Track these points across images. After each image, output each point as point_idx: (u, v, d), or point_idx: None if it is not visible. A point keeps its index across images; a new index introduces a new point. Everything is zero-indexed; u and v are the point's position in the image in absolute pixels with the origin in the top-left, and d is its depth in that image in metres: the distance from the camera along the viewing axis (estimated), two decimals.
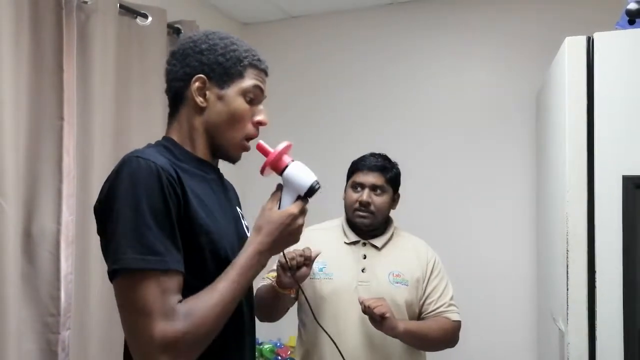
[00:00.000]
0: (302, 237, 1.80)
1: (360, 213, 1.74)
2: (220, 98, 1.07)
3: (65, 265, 1.68)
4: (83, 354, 1.74)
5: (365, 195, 1.74)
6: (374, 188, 1.75)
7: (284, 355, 2.66)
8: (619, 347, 1.43)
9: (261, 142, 1.10)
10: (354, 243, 1.78)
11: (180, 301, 0.94)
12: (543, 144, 2.13)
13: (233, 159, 1.13)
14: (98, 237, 1.59)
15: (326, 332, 1.51)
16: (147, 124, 2.08)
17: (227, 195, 1.17)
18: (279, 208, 1.07)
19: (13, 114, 1.55)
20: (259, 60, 1.11)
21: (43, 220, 1.66)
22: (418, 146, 2.64)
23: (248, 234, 1.17)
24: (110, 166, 1.85)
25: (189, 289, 0.97)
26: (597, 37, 1.47)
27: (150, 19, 2.12)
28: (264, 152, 1.09)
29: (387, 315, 1.54)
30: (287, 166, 1.07)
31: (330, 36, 2.86)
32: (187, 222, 0.97)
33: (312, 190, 1.07)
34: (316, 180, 1.07)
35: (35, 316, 1.65)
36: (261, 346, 2.69)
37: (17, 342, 1.57)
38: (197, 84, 1.06)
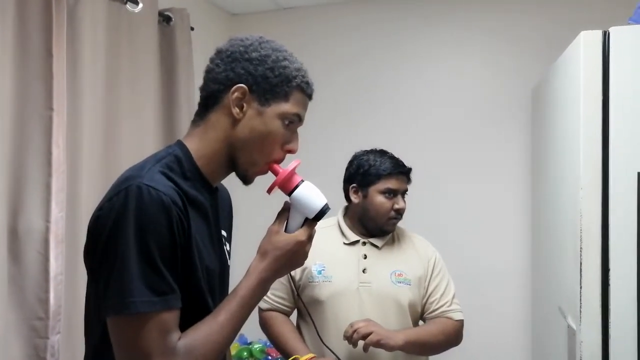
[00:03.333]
0: None
1: (394, 220, 1.71)
2: (257, 114, 1.01)
3: (54, 266, 1.58)
4: (73, 359, 1.63)
5: (401, 202, 1.71)
6: (403, 192, 1.73)
7: (274, 355, 2.60)
8: (634, 345, 1.41)
9: (273, 164, 1.05)
10: (354, 243, 1.72)
11: (179, 337, 0.93)
12: (543, 140, 2.12)
13: (247, 181, 1.06)
14: None
15: (333, 353, 1.53)
16: (138, 114, 2.00)
17: (218, 221, 1.11)
18: (285, 229, 1.04)
19: None
20: (307, 83, 1.04)
21: (30, 217, 1.56)
22: (410, 141, 2.60)
23: (229, 261, 1.14)
24: (101, 159, 1.80)
25: None
26: (613, 31, 1.45)
27: (140, 5, 2.03)
28: (274, 171, 1.04)
29: (375, 337, 1.49)
30: (297, 186, 1.03)
31: (322, 29, 2.80)
32: (182, 255, 0.95)
33: (321, 214, 1.04)
34: (326, 204, 1.04)
35: (22, 320, 1.55)
36: (251, 346, 2.62)
37: (3, 347, 1.47)
38: (237, 94, 0.99)
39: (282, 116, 1.01)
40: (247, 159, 1.02)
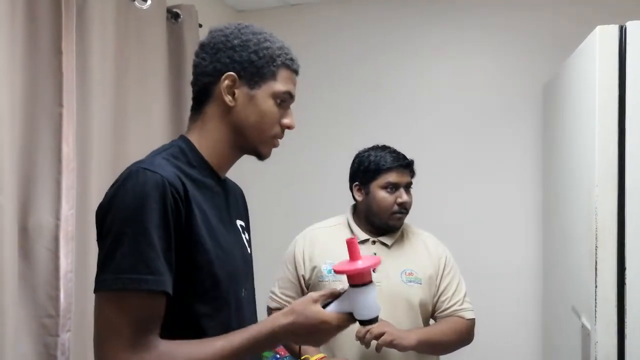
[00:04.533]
0: (307, 237, 1.76)
1: (399, 215, 1.68)
2: (250, 99, 1.02)
3: (64, 263, 1.56)
4: (84, 357, 1.62)
5: (405, 195, 1.68)
6: (406, 186, 1.70)
7: (282, 354, 2.59)
8: None
9: (356, 240, 1.04)
10: (363, 242, 1.70)
11: (160, 335, 0.91)
12: (555, 137, 2.10)
13: (263, 156, 1.08)
14: None
15: None
16: (147, 111, 1.99)
17: (229, 208, 1.11)
18: (324, 306, 0.99)
19: (8, 100, 1.44)
20: (291, 59, 1.06)
21: (40, 214, 1.54)
22: (419, 140, 2.57)
23: (249, 249, 1.14)
24: (110, 156, 1.79)
25: (180, 309, 0.94)
26: (630, 26, 1.43)
27: (149, 2, 2.02)
28: (353, 254, 1.01)
29: (388, 337, 1.47)
30: (364, 284, 0.99)
31: (329, 26, 2.77)
32: (188, 239, 0.94)
33: (367, 322, 0.99)
34: (378, 316, 1.00)
35: (33, 317, 1.53)
36: None
37: (13, 345, 1.46)
38: (226, 82, 1.01)
39: (274, 96, 1.03)
40: (252, 138, 1.04)
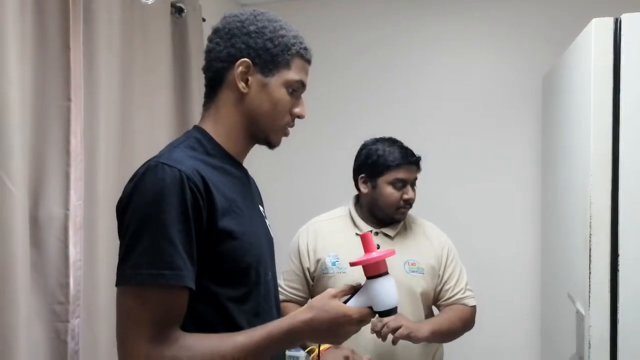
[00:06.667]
0: (310, 230, 1.80)
1: (403, 210, 1.71)
2: (263, 86, 1.03)
3: (73, 252, 1.61)
4: (93, 342, 1.68)
5: (410, 192, 1.70)
6: (412, 182, 1.73)
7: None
8: None
9: (370, 233, 1.06)
10: None
11: (181, 326, 0.92)
12: (554, 128, 2.12)
13: (273, 145, 1.09)
14: (107, 222, 1.57)
15: None
16: (152, 104, 2.02)
17: (252, 194, 1.13)
18: (344, 302, 1.00)
19: (18, 95, 1.47)
20: (305, 49, 1.07)
21: (50, 205, 1.58)
22: (420, 133, 2.58)
23: (271, 233, 1.15)
24: (116, 148, 1.84)
25: (208, 296, 0.95)
26: (625, 18, 1.46)
27: None
28: (367, 247, 1.03)
29: (404, 330, 1.49)
30: (380, 275, 1.00)
31: (331, 20, 2.79)
32: (211, 229, 0.94)
33: (386, 313, 1.00)
34: (396, 306, 1.01)
35: (43, 304, 1.58)
36: None
37: (25, 331, 1.50)
38: (240, 68, 1.02)
39: (287, 84, 1.04)
40: (264, 126, 1.05)
